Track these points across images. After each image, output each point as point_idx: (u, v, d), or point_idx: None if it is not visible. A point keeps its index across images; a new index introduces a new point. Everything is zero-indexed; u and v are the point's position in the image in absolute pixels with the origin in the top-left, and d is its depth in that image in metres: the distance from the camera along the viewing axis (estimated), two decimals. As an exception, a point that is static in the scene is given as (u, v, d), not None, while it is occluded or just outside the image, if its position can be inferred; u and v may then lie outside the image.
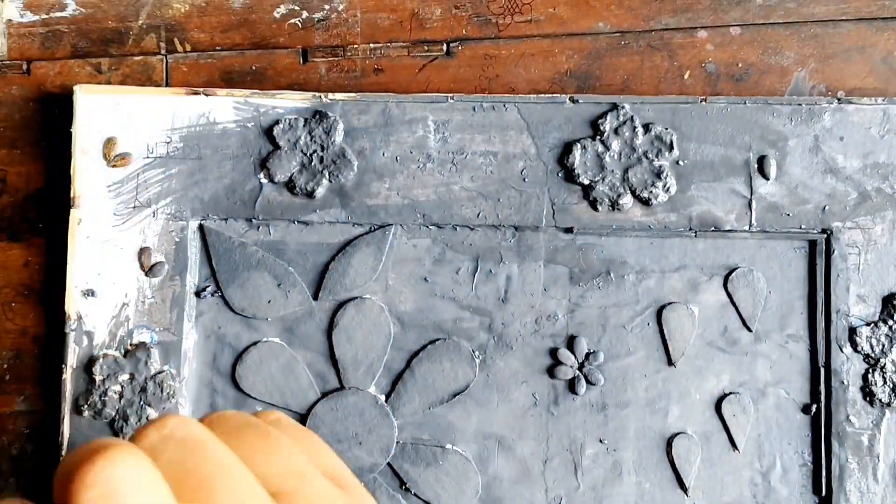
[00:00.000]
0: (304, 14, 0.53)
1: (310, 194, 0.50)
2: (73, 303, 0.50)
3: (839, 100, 0.50)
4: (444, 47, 0.53)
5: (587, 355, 0.50)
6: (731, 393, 0.50)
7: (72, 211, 0.50)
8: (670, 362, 0.50)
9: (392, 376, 0.51)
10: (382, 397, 0.51)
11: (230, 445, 0.25)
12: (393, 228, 0.51)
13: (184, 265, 0.50)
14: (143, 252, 0.50)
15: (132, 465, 0.23)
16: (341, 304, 0.51)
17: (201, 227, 0.51)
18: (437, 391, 0.51)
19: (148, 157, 0.51)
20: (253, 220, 0.51)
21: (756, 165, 0.50)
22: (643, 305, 0.51)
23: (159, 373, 0.50)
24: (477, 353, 0.51)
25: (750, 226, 0.50)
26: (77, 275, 0.50)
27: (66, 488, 0.22)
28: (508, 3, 0.53)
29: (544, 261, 0.51)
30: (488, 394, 0.51)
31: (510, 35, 0.53)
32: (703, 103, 0.50)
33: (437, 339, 0.51)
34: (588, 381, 0.50)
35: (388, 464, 0.51)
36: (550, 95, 0.50)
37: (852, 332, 0.49)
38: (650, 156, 0.50)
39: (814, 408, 0.50)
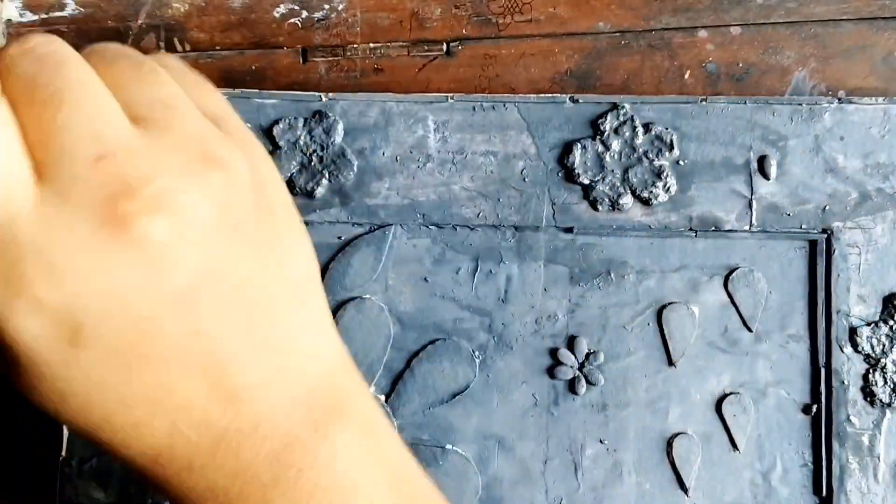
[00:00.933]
0: (304, 14, 0.53)
1: (310, 194, 0.50)
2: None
3: (840, 100, 0.49)
4: (444, 47, 0.53)
5: (587, 355, 0.50)
6: (731, 393, 0.50)
7: (71, 211, 0.50)
8: (671, 362, 0.50)
9: (392, 376, 0.51)
10: (382, 397, 0.51)
11: (98, 70, 0.24)
12: (393, 228, 0.51)
13: (183, 265, 0.50)
14: (142, 252, 0.50)
15: None
16: (341, 304, 0.51)
17: (201, 227, 0.51)
18: (437, 391, 0.51)
19: (147, 157, 0.50)
20: (252, 220, 0.51)
21: (756, 165, 0.49)
22: (643, 305, 0.50)
23: (159, 373, 0.49)
24: (477, 353, 0.51)
25: (750, 226, 0.49)
26: (76, 275, 0.50)
27: None
28: (508, 3, 0.52)
29: (544, 261, 0.51)
30: (488, 394, 0.51)
31: (510, 35, 0.52)
32: (704, 103, 0.50)
33: (437, 340, 0.51)
34: (588, 382, 0.50)
35: (388, 464, 0.51)
36: (550, 95, 0.50)
37: (853, 332, 0.49)
38: (650, 156, 0.50)
39: (814, 408, 0.49)
